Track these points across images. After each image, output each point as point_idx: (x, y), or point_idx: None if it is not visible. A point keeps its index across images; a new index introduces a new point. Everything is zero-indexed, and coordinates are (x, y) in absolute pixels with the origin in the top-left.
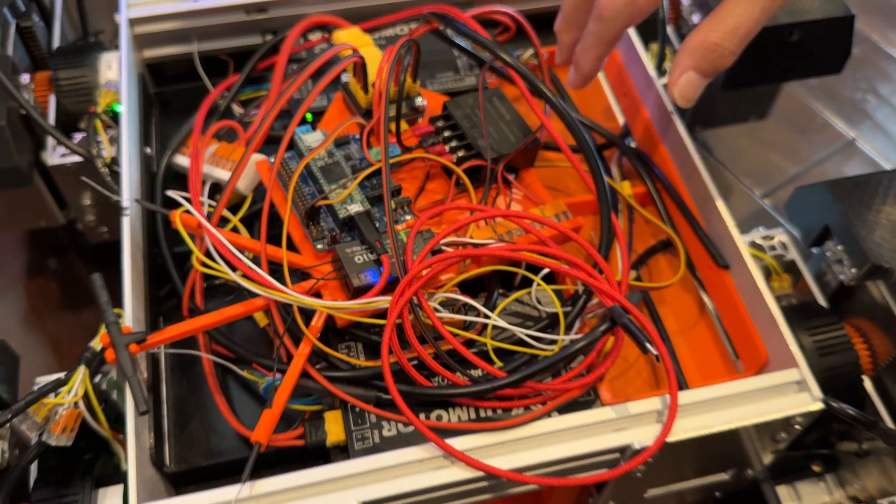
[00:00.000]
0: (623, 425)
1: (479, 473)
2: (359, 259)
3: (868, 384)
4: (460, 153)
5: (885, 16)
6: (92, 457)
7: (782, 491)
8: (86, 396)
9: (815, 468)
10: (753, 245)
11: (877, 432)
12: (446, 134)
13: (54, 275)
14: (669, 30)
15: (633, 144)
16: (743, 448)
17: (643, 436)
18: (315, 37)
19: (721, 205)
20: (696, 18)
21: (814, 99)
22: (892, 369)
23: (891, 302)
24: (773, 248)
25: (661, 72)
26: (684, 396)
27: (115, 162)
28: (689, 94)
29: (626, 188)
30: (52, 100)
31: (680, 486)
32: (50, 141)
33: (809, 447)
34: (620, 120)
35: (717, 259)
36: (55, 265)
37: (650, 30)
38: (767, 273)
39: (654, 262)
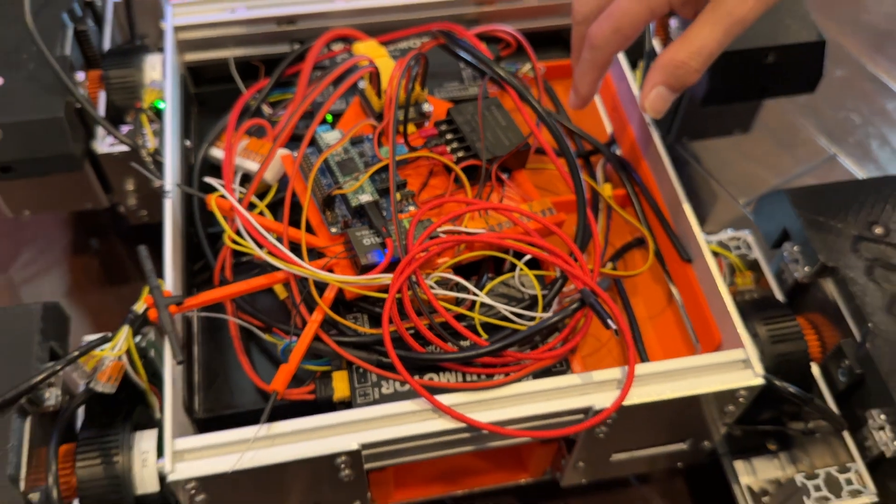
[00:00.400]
0: (588, 390)
1: (462, 425)
2: (367, 241)
3: (816, 371)
4: (460, 154)
5: (872, 39)
6: (130, 406)
7: (739, 465)
8: (128, 353)
9: (770, 447)
10: (721, 244)
11: (811, 407)
12: (449, 136)
13: (96, 253)
14: (658, 47)
15: (618, 152)
16: (696, 418)
17: (604, 399)
18: (337, 47)
19: (687, 207)
20: None
21: (800, 116)
22: (836, 357)
23: (837, 298)
24: (738, 247)
25: None
26: (642, 368)
27: (157, 152)
28: (658, 107)
29: (607, 190)
30: (103, 95)
31: (642, 453)
32: (100, 131)
33: (763, 426)
34: (609, 130)
35: (682, 254)
36: (97, 244)
37: (640, 51)
38: (732, 269)
39: (630, 255)
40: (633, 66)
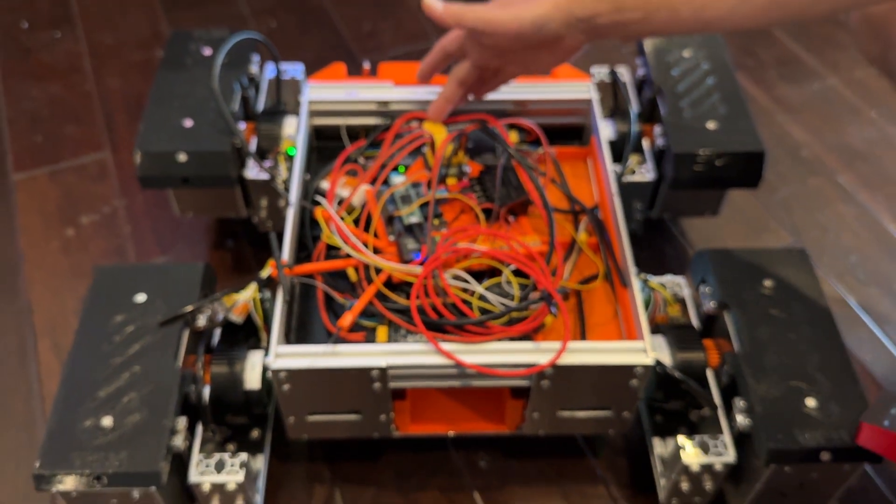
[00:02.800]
0: (537, 352)
1: (452, 362)
2: (410, 246)
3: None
4: (482, 199)
5: (847, 157)
6: (248, 335)
7: (657, 441)
8: (253, 300)
9: (682, 431)
10: (661, 283)
11: (687, 387)
12: (476, 188)
13: (230, 251)
14: (646, 146)
15: (599, 214)
16: (613, 387)
17: (544, 358)
18: (413, 124)
19: (629, 252)
20: (660, 140)
21: (775, 210)
22: (722, 364)
23: (728, 325)
24: (672, 287)
25: (621, 176)
26: (574, 344)
27: (286, 181)
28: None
29: (582, 237)
30: (254, 140)
31: (579, 414)
32: (250, 163)
33: (672, 409)
34: (596, 198)
35: (622, 280)
36: (231, 244)
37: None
38: (665, 302)
39: (595, 282)
40: (618, 159)
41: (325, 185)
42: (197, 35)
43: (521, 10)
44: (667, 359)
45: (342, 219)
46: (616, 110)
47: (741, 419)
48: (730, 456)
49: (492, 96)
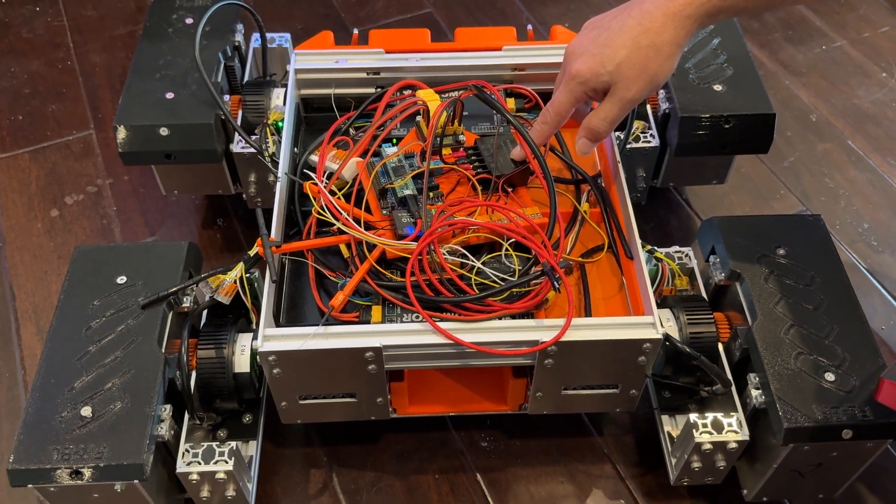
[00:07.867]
0: (540, 329)
1: (450, 341)
2: (404, 220)
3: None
4: (479, 170)
5: (857, 120)
6: (236, 317)
7: (666, 418)
8: (240, 280)
9: (691, 408)
10: (667, 255)
11: (699, 363)
12: (473, 158)
13: (219, 229)
14: (650, 111)
15: (602, 183)
16: (620, 364)
17: (547, 335)
18: (406, 92)
19: (633, 222)
20: (664, 105)
21: (783, 176)
22: (734, 338)
23: (741, 295)
24: (680, 258)
25: (625, 143)
26: (579, 320)
27: (274, 155)
28: (583, 150)
29: (585, 207)
30: (240, 113)
31: (584, 392)
32: (236, 137)
33: (681, 386)
34: (598, 167)
35: (627, 252)
36: (221, 223)
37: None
38: (673, 274)
39: (598, 254)
40: (621, 125)
41: (313, 158)
42: (179, 4)
43: (657, 74)
44: (675, 333)
45: (332, 193)
46: None
47: (756, 395)
48: (743, 435)
49: (489, 61)
